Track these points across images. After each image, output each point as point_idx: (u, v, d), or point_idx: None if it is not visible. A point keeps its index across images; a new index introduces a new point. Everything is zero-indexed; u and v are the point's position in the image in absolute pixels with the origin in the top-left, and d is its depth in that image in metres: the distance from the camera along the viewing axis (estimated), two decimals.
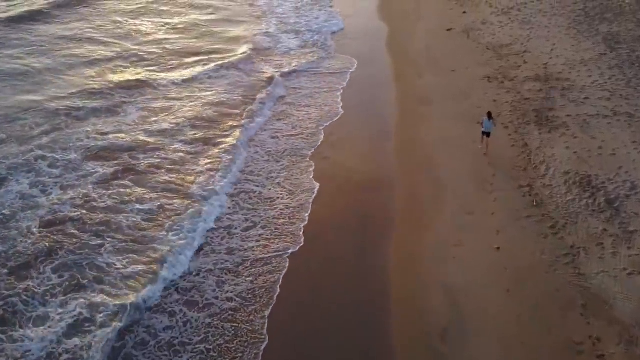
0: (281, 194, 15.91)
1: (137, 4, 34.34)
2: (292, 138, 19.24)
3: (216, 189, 15.66)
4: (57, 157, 16.75)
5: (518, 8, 30.61)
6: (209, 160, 17.15)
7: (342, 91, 23.26)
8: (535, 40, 25.69)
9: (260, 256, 13.35)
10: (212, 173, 16.39)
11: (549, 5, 30.17)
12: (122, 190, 15.47)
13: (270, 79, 23.61)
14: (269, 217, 14.88)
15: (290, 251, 13.62)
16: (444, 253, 13.31)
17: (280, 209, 15.22)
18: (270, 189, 16.13)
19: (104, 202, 14.93)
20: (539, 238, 13.45)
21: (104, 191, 15.37)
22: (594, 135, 17.34)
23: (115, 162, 16.83)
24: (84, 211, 14.53)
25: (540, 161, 16.44)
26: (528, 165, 16.42)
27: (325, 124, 20.24)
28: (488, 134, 17.11)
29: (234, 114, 20.53)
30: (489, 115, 17.11)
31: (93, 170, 16.28)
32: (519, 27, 27.73)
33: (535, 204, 14.65)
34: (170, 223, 14.19)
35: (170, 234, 13.78)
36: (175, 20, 31.91)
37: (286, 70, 25.00)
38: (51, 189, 15.32)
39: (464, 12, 32.01)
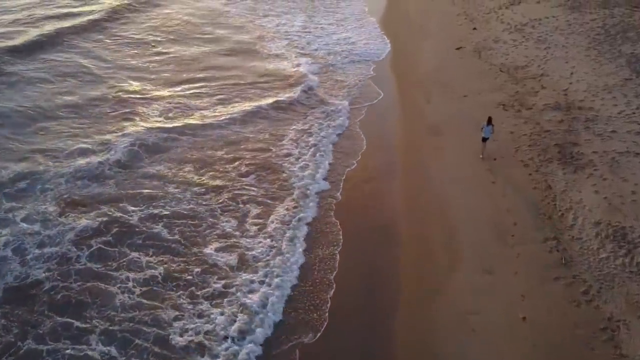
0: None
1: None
2: None
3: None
4: None
5: (532, 25, 29.20)
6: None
7: None
8: (553, 62, 24.24)
9: None
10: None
11: (565, 22, 28.74)
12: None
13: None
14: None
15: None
16: (461, 324, 11.74)
17: None
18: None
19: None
20: (570, 306, 11.89)
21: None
22: (625, 176, 15.80)
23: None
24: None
25: (567, 208, 14.90)
26: (553, 212, 14.88)
27: None
28: (486, 139, 17.49)
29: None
30: (489, 120, 17.30)
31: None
32: (534, 47, 26.30)
33: (563, 261, 13.10)
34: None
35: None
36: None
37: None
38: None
39: (474, 29, 30.66)
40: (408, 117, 21.63)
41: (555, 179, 16.22)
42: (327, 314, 12.14)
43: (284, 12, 37.09)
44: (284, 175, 17.38)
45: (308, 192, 16.41)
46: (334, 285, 13.00)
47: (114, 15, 32.51)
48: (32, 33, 27.58)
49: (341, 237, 14.68)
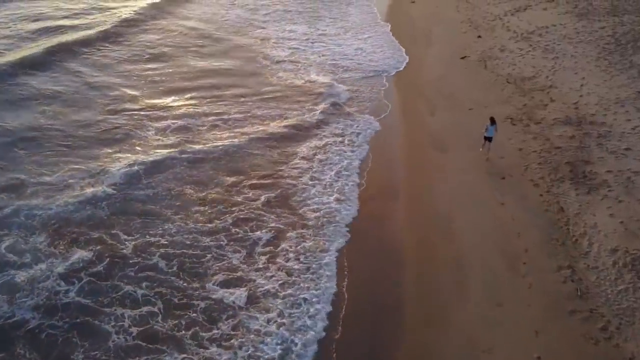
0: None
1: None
2: None
3: None
4: None
5: (539, 33, 28.64)
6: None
7: None
8: (562, 73, 23.65)
9: None
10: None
11: (574, 29, 28.17)
12: None
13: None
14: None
15: None
16: None
17: None
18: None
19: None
20: (588, 344, 11.25)
21: None
22: None
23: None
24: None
25: (581, 233, 14.27)
26: (566, 237, 14.24)
27: None
28: (490, 139, 17.83)
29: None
30: (492, 120, 17.81)
31: None
32: (541, 56, 25.72)
33: (579, 293, 12.46)
34: None
35: None
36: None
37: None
38: None
39: (479, 37, 30.11)
40: (413, 131, 21.00)
41: (567, 201, 15.59)
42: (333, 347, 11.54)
43: (291, 20, 36.17)
44: (296, 198, 16.33)
45: (319, 214, 15.57)
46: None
47: (107, 32, 29.88)
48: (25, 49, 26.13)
49: (346, 264, 13.99)
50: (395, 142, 20.35)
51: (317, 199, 16.27)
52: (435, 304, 12.68)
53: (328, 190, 16.74)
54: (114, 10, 34.19)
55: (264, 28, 33.49)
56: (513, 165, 17.71)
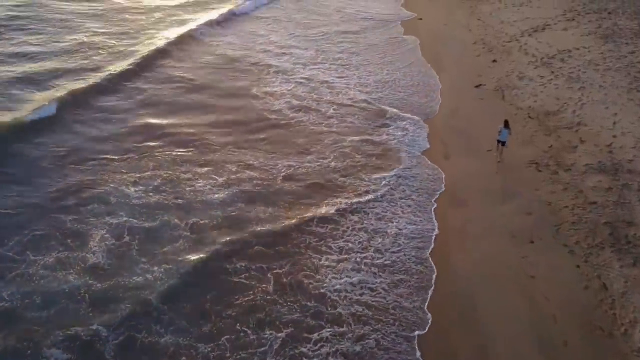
0: None
1: None
2: None
3: None
4: None
5: (561, 57, 26.73)
6: None
7: None
8: (590, 107, 21.68)
9: None
10: None
11: (599, 54, 26.25)
12: None
13: None
14: None
15: None
16: None
17: None
18: None
19: None
20: None
21: None
22: None
23: None
24: None
25: (630, 321, 12.20)
26: (613, 326, 12.18)
27: None
28: (504, 143, 18.37)
29: None
30: (506, 123, 18.34)
31: None
32: (566, 86, 23.78)
33: None
34: None
35: None
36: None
37: None
38: None
39: (494, 61, 28.24)
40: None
41: (610, 275, 13.54)
42: None
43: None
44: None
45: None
46: None
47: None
48: None
49: None
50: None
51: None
52: None
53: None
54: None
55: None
56: (542, 224, 15.69)
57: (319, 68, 27.80)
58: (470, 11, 38.01)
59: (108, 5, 34.99)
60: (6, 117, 18.61)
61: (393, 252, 14.80)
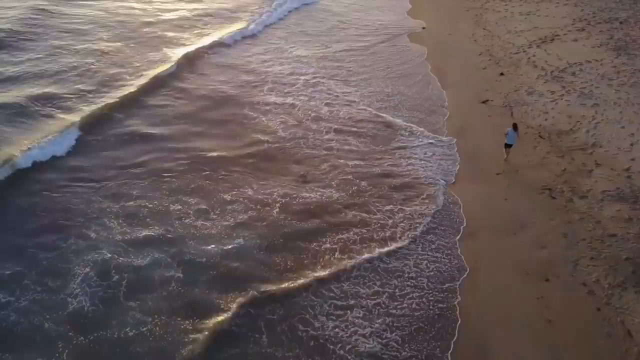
0: None
1: None
2: None
3: None
4: None
5: (572, 71, 25.76)
6: None
7: None
8: (605, 126, 20.71)
9: None
10: None
11: (612, 68, 25.28)
12: None
13: None
14: None
15: None
16: None
17: None
18: None
19: None
20: None
21: None
22: None
23: None
24: None
25: None
26: None
27: None
28: (511, 146, 18.67)
29: None
30: (514, 126, 18.59)
31: None
32: (578, 102, 22.81)
33: None
34: None
35: None
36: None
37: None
38: None
39: (501, 74, 27.28)
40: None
41: (635, 320, 12.57)
42: None
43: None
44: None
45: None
46: None
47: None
48: None
49: None
50: None
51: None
52: None
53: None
54: None
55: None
56: (558, 259, 14.72)
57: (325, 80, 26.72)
58: (475, 20, 36.99)
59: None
60: None
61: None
